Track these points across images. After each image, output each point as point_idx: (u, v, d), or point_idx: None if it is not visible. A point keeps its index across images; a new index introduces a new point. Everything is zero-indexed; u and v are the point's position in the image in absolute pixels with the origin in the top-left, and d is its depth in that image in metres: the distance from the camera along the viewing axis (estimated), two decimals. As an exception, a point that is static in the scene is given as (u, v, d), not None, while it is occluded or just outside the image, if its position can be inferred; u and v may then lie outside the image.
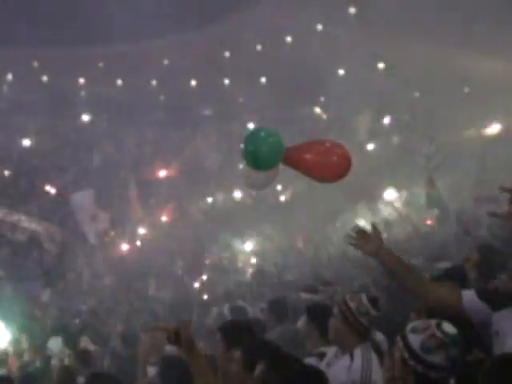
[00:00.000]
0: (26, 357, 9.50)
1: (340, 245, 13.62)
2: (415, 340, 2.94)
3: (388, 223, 14.79)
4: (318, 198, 16.54)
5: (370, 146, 20.14)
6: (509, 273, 4.97)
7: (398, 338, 2.98)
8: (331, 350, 4.33)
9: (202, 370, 3.30)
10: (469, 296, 3.50)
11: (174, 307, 11.70)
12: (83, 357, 7.31)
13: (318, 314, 4.78)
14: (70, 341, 8.81)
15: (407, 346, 2.94)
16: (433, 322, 3.01)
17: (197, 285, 15.28)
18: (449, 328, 2.96)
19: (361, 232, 3.68)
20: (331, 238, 15.71)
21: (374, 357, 4.03)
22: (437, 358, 2.91)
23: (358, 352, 4.05)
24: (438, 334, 2.94)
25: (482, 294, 3.49)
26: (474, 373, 3.00)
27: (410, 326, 3.02)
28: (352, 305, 4.13)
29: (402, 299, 5.55)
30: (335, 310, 4.20)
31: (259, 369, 3.20)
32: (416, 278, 3.63)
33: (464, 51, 17.13)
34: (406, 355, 2.92)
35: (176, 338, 3.26)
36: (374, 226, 3.65)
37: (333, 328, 4.18)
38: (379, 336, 4.86)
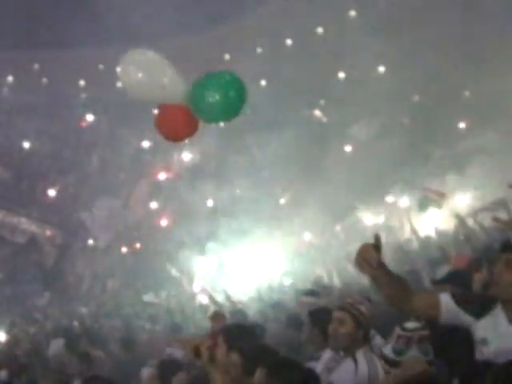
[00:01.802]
0: (26, 359, 9.49)
1: (342, 247, 13.62)
2: (387, 349, 3.07)
3: (389, 226, 14.72)
4: (319, 201, 16.53)
5: (370, 149, 20.06)
6: None
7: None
8: (326, 354, 4.30)
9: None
10: (446, 301, 3.35)
11: (172, 311, 11.68)
12: (84, 360, 7.31)
13: (321, 319, 4.73)
14: (71, 343, 8.79)
15: (384, 358, 3.04)
16: (397, 327, 3.10)
17: (196, 288, 15.23)
18: (410, 324, 3.05)
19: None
20: (332, 240, 15.68)
21: (375, 358, 4.00)
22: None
23: (360, 355, 4.04)
24: (402, 333, 3.04)
25: (459, 300, 3.36)
26: (477, 375, 3.00)
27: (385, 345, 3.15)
28: (363, 309, 4.13)
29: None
30: (341, 316, 4.15)
31: (259, 374, 3.19)
32: (402, 289, 3.31)
33: (465, 53, 17.11)
34: (387, 367, 3.03)
35: (196, 353, 3.21)
36: (375, 244, 3.22)
37: (346, 334, 4.08)
38: (378, 340, 4.86)
